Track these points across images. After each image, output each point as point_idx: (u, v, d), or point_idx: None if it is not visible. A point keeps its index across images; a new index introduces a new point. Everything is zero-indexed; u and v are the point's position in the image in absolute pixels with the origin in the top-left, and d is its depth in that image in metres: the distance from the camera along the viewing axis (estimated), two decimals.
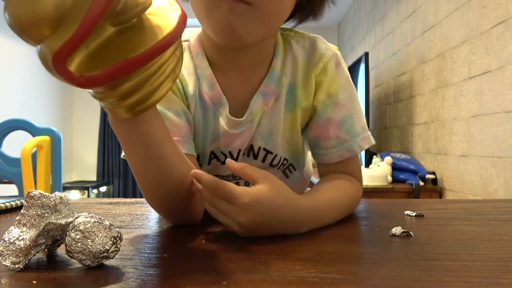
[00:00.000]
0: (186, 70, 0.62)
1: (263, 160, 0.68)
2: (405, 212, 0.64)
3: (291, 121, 0.66)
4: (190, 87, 0.62)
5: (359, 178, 0.67)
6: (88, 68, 0.34)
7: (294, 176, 0.73)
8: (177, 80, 0.61)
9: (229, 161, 0.52)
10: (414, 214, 0.63)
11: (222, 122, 0.63)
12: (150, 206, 0.64)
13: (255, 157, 0.68)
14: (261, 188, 0.49)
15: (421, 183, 2.07)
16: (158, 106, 0.55)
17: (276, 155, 0.68)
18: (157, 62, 0.38)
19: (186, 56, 0.62)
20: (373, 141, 0.67)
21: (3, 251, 0.37)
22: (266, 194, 0.49)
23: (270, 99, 0.63)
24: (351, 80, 0.67)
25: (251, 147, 0.67)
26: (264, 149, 0.67)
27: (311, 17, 0.61)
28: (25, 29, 0.32)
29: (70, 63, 0.34)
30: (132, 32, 0.36)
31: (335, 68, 0.64)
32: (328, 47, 0.65)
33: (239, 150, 0.66)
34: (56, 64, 0.33)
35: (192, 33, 0.64)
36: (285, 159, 0.70)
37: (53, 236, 0.39)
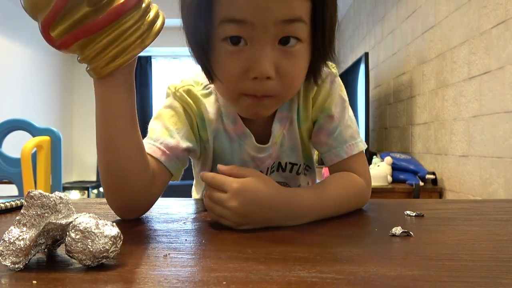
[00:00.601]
0: (211, 109, 0.69)
1: (291, 171, 0.77)
2: (405, 212, 0.64)
3: (302, 135, 0.75)
4: (214, 124, 0.69)
5: (363, 175, 0.71)
6: (64, 34, 0.46)
7: (311, 173, 0.83)
8: (198, 117, 0.69)
9: (219, 166, 0.57)
10: (414, 214, 0.63)
11: (249, 149, 0.72)
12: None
13: (283, 170, 0.77)
14: (250, 178, 0.54)
15: (421, 183, 2.07)
16: (171, 125, 0.65)
17: (300, 165, 0.77)
18: (117, 28, 0.47)
19: (212, 98, 0.70)
20: (362, 147, 0.72)
21: (3, 251, 0.37)
22: (254, 183, 0.54)
23: (285, 123, 0.72)
24: (344, 94, 0.73)
25: (279, 164, 0.76)
26: (290, 162, 0.76)
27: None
28: (28, 8, 0.47)
29: (52, 30, 0.46)
30: (102, 6, 0.47)
31: (329, 86, 0.70)
32: (327, 72, 0.70)
33: (268, 168, 0.75)
34: (42, 30, 0.47)
35: None
36: (304, 163, 0.79)
37: (53, 236, 0.39)
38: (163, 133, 0.64)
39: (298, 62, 0.58)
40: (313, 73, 0.65)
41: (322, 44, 0.60)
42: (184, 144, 0.65)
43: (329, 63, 0.69)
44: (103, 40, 0.47)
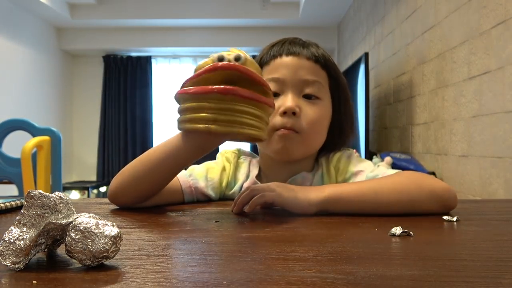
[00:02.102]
0: (243, 170, 0.86)
1: None
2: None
3: None
4: (239, 183, 0.84)
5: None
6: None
7: None
8: (231, 178, 0.84)
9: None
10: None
11: None
12: (150, 207, 0.71)
13: None
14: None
15: None
16: (208, 174, 0.82)
17: None
18: (219, 103, 0.57)
19: (246, 163, 0.87)
20: (395, 171, 0.78)
21: (3, 251, 0.37)
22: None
23: (307, 183, 0.82)
24: (364, 163, 0.82)
25: None
26: None
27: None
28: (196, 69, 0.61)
29: (189, 85, 0.61)
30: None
31: (347, 158, 0.83)
32: (346, 150, 0.85)
33: None
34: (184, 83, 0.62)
35: (256, 157, 0.89)
36: None
37: (53, 236, 0.39)
38: (199, 175, 0.81)
39: (316, 109, 0.78)
40: (336, 131, 0.82)
41: (338, 103, 0.82)
42: (207, 191, 0.81)
43: (347, 149, 0.86)
44: (203, 103, 0.57)
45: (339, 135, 0.84)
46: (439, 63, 2.08)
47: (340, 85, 0.82)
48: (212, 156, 0.83)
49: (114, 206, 0.73)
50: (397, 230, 0.51)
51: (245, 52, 0.61)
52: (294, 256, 0.42)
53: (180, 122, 0.61)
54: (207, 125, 0.57)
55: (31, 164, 1.98)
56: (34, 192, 0.39)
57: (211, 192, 0.81)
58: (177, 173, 0.72)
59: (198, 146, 0.65)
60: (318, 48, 0.82)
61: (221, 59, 0.59)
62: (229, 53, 0.60)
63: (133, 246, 0.46)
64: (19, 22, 4.21)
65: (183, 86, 0.61)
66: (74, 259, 0.38)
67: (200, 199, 0.80)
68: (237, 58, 0.59)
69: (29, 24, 4.40)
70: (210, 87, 0.57)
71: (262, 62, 0.81)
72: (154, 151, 0.69)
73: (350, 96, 0.85)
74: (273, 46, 0.82)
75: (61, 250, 0.42)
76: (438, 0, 2.10)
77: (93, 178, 5.34)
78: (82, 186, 4.69)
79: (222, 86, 0.56)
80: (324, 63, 0.80)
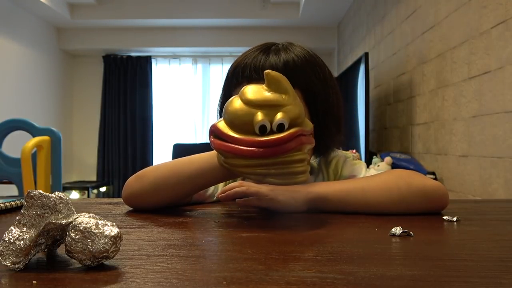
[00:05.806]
0: None
1: None
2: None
3: None
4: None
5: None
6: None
7: None
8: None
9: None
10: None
11: None
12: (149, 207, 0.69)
13: None
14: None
15: None
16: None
17: None
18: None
19: None
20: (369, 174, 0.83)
21: (3, 251, 0.37)
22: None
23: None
24: (355, 161, 0.87)
25: None
26: None
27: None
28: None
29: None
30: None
31: (343, 163, 0.86)
32: (342, 154, 0.88)
33: None
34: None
35: None
36: None
37: (53, 236, 0.39)
38: None
39: None
40: (322, 145, 0.80)
41: (316, 115, 0.78)
42: (212, 198, 0.81)
43: (346, 152, 0.89)
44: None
45: (322, 145, 0.80)
46: (439, 63, 2.08)
47: (317, 96, 0.78)
48: None
49: (114, 206, 0.73)
50: (397, 230, 0.51)
51: (283, 94, 0.56)
52: (294, 256, 0.42)
53: (225, 161, 0.58)
54: (263, 179, 0.57)
55: (31, 164, 1.98)
56: (34, 192, 0.39)
57: (215, 198, 0.82)
58: (202, 189, 0.75)
59: (230, 176, 0.67)
60: (288, 53, 0.77)
61: (263, 130, 0.54)
62: (266, 113, 0.55)
63: (133, 246, 0.46)
64: (19, 22, 4.21)
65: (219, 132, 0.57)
66: (74, 259, 0.38)
67: (204, 200, 0.81)
68: (280, 128, 0.54)
69: (29, 24, 4.40)
70: (250, 150, 0.54)
71: (231, 84, 0.79)
72: (183, 165, 0.69)
73: (335, 98, 0.80)
74: (236, 67, 0.79)
75: (61, 250, 0.42)
76: (438, 0, 2.10)
77: (93, 178, 5.34)
78: (82, 186, 4.69)
79: (257, 150, 0.54)
80: (294, 77, 0.71)
